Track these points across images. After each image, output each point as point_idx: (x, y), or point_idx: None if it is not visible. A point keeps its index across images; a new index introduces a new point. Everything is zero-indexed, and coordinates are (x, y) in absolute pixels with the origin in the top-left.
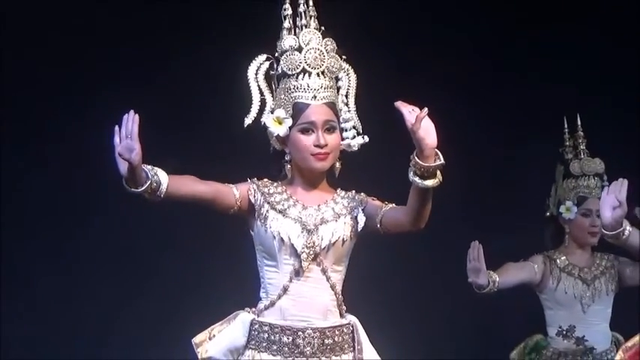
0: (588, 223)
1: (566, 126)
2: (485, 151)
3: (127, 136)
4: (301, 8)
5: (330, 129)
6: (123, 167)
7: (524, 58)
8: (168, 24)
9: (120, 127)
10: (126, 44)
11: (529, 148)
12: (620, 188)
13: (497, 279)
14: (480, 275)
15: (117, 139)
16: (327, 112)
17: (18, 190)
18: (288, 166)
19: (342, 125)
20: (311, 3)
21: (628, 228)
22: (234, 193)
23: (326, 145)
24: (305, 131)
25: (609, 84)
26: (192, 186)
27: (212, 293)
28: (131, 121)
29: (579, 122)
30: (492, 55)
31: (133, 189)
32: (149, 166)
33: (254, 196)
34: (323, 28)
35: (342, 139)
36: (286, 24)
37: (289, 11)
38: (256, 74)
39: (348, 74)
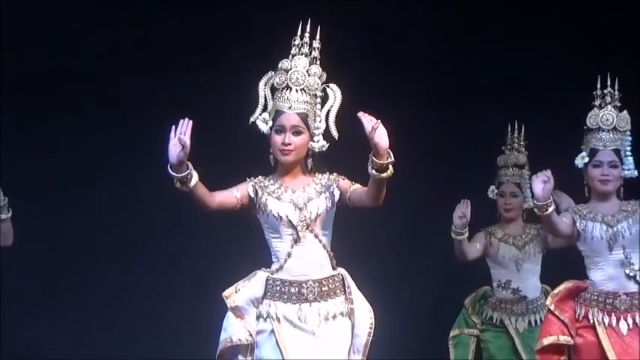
0: (501, 203)
1: (509, 129)
2: (441, 149)
3: (182, 133)
4: (306, 40)
5: (296, 132)
6: (173, 156)
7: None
8: (199, 44)
9: (176, 128)
10: (157, 60)
11: (479, 148)
12: (547, 172)
13: (467, 234)
14: (466, 212)
15: (172, 135)
16: (297, 120)
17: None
18: (272, 157)
19: (313, 131)
20: (317, 37)
21: (553, 206)
22: (235, 195)
23: (290, 144)
24: (278, 132)
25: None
26: (205, 194)
27: (234, 259)
28: (186, 125)
29: (516, 126)
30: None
31: (174, 173)
32: (190, 165)
33: (253, 192)
34: (319, 56)
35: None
36: (293, 50)
37: (297, 41)
38: (265, 85)
39: (334, 94)
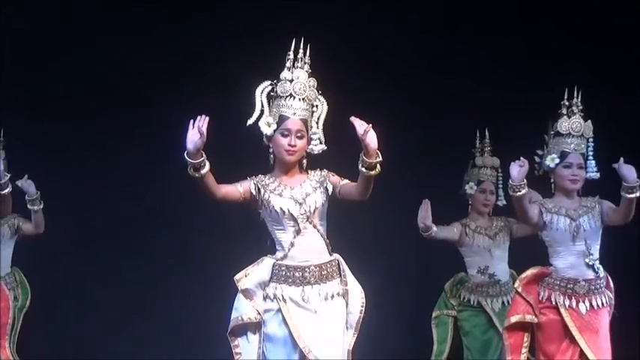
0: (482, 198)
1: (478, 135)
2: (422, 151)
3: (200, 126)
4: (299, 55)
5: (299, 136)
6: (192, 143)
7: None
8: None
9: (194, 121)
10: (170, 69)
11: (453, 149)
12: (524, 161)
13: (435, 230)
14: (427, 221)
15: (191, 126)
16: (300, 125)
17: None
18: (272, 156)
19: (311, 136)
20: (308, 53)
21: (526, 189)
22: (239, 189)
23: (295, 145)
24: (284, 135)
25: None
26: (214, 185)
27: (244, 248)
28: (203, 119)
29: (487, 133)
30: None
31: (190, 160)
32: (204, 155)
33: (255, 189)
34: (310, 70)
35: (309, 145)
36: (288, 64)
37: (291, 56)
38: (261, 93)
39: (322, 104)
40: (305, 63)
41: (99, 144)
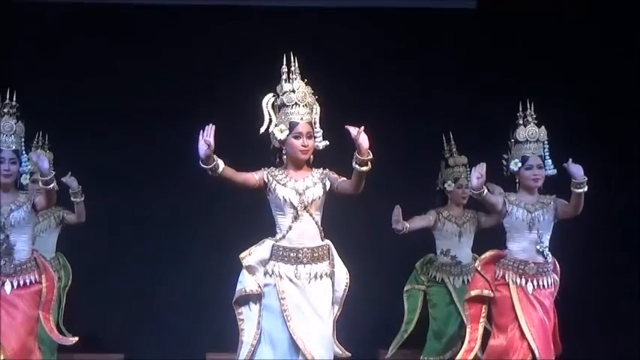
0: (460, 192)
1: (444, 139)
2: (408, 153)
3: (207, 136)
4: (292, 69)
5: (309, 137)
6: (202, 152)
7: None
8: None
9: (203, 131)
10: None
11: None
12: (481, 167)
13: (408, 225)
14: (399, 224)
15: (201, 136)
16: (308, 127)
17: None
18: (285, 156)
19: (315, 134)
20: (297, 66)
21: (486, 191)
22: (255, 177)
23: (307, 145)
24: (296, 137)
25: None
26: (234, 175)
27: (249, 230)
28: (210, 129)
29: (451, 137)
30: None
31: (204, 165)
32: (216, 157)
33: (266, 178)
34: (305, 80)
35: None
36: (284, 77)
37: (285, 69)
38: (267, 103)
39: (317, 106)
40: (298, 74)
41: (128, 146)
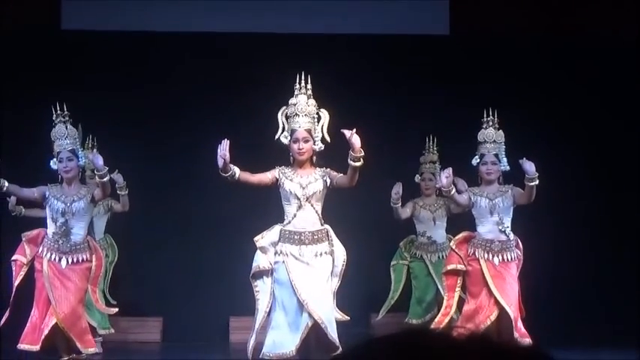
0: (423, 185)
1: (427, 141)
2: (400, 149)
3: (222, 149)
4: (303, 84)
5: (305, 141)
6: (220, 163)
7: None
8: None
9: (221, 145)
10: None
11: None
12: (449, 169)
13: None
14: (398, 196)
15: (219, 149)
16: (305, 133)
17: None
18: (291, 156)
19: (314, 138)
20: (309, 82)
21: (454, 190)
22: (269, 176)
23: (302, 148)
24: (294, 142)
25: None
26: (249, 177)
27: (263, 217)
28: (225, 144)
29: (434, 141)
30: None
31: (223, 174)
32: (232, 165)
33: (278, 175)
34: (311, 94)
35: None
36: (296, 92)
37: (297, 86)
38: (281, 114)
39: (324, 115)
40: (307, 89)
41: (160, 152)
